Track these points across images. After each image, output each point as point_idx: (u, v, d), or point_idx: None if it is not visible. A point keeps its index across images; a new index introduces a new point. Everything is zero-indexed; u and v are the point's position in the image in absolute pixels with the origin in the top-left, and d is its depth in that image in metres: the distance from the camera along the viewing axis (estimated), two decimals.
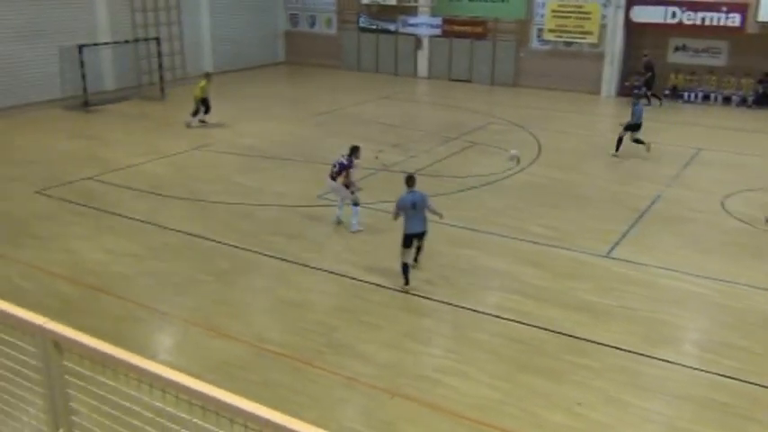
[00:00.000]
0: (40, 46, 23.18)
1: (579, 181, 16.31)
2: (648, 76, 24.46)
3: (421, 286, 10.66)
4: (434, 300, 10.32)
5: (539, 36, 27.38)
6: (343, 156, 13.03)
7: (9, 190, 14.98)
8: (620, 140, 18.09)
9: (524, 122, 21.49)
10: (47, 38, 23.28)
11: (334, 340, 9.17)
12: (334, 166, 12.93)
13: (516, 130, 20.72)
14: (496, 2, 27.88)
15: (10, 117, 21.50)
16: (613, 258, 11.90)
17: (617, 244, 12.49)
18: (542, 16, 27.00)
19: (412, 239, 10.56)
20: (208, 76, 20.94)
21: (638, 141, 18.00)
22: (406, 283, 10.58)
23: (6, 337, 3.49)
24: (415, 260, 11.06)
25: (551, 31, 26.80)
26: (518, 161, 16.66)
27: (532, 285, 10.84)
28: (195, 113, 20.48)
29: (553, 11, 26.56)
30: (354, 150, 12.97)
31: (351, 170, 12.87)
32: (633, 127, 17.99)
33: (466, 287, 10.79)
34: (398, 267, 10.63)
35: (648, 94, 24.31)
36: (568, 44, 26.81)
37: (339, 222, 13.33)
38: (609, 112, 24.89)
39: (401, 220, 10.60)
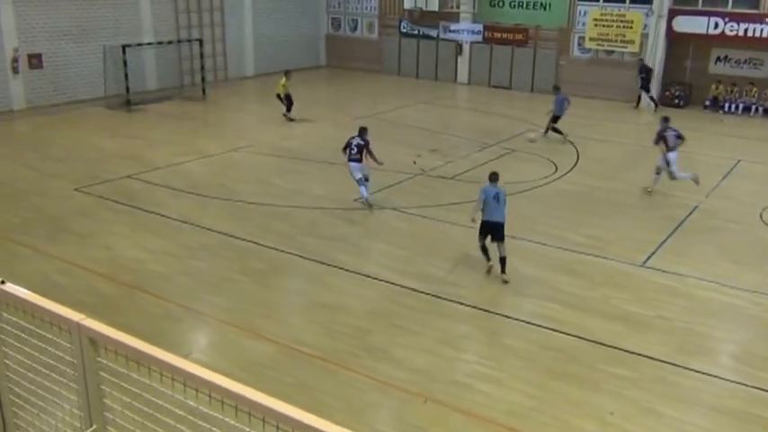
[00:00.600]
0: (86, 45, 23.63)
1: (617, 189, 16.04)
2: (643, 79, 25.00)
3: (456, 292, 10.57)
4: (469, 305, 10.21)
5: (580, 44, 27.04)
6: (353, 138, 14.04)
7: (49, 186, 15.24)
8: (547, 129, 20.12)
9: (563, 130, 21.21)
10: (92, 37, 23.73)
11: (367, 344, 9.12)
12: (353, 148, 13.90)
13: (555, 138, 20.47)
14: (538, 9, 27.63)
15: (53, 114, 21.94)
16: (650, 268, 11.67)
17: (654, 253, 12.25)
18: (584, 24, 26.66)
19: (487, 229, 11.09)
20: (287, 73, 21.58)
21: (555, 131, 19.86)
22: (489, 259, 11.25)
23: (43, 333, 3.50)
24: (503, 271, 11.05)
25: (592, 39, 26.45)
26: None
27: (568, 293, 10.67)
28: (289, 109, 21.47)
29: (595, 19, 26.22)
30: (365, 130, 14.15)
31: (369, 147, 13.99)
32: (555, 118, 19.95)
33: (501, 293, 10.68)
34: (434, 272, 10.53)
35: (646, 95, 25.12)
36: (609, 53, 26.43)
37: (371, 206, 14.07)
38: (649, 121, 24.45)
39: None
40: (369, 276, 11.10)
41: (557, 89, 20.88)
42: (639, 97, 25.36)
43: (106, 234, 12.64)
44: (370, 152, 13.88)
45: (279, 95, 21.42)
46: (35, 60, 22.39)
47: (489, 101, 26.26)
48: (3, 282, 3.55)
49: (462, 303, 10.27)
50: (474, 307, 10.18)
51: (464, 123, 23.80)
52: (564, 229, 13.35)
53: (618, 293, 10.73)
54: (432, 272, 11.30)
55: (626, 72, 26.06)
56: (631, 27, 25.58)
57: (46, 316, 3.37)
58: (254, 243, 12.32)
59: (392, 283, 10.85)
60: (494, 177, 11.41)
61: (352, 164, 13.85)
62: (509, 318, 9.92)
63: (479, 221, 11.18)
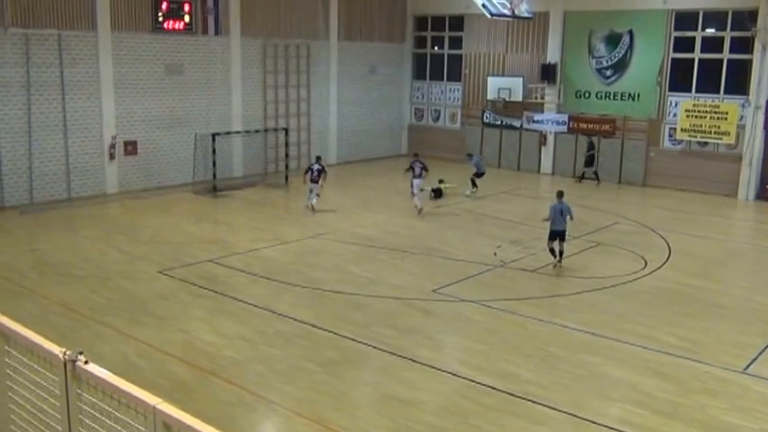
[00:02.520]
0: (178, 133, 25.11)
1: (713, 288, 15.44)
2: (589, 155, 27.90)
3: (536, 391, 10.29)
4: (549, 407, 9.88)
5: (671, 135, 26.78)
6: (313, 164, 21.58)
7: (135, 269, 15.92)
8: (474, 184, 24.46)
9: (653, 224, 20.79)
10: (185, 126, 25.21)
11: None
12: (313, 172, 21.17)
13: (644, 232, 20.07)
14: (626, 100, 27.65)
15: (144, 198, 23.15)
16: (751, 375, 11.04)
17: (755, 360, 11.60)
18: (675, 115, 26.46)
19: (554, 236, 15.98)
20: (442, 182, 24.41)
21: (473, 183, 24.34)
22: (554, 257, 16.10)
23: (119, 415, 3.65)
24: (559, 262, 16.10)
25: (684, 130, 26.13)
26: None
27: (659, 399, 10.20)
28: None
29: (687, 110, 25.97)
30: (320, 158, 22.02)
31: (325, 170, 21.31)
32: (480, 174, 24.53)
33: (585, 395, 10.30)
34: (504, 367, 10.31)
35: (588, 171, 28.00)
36: (703, 144, 26.02)
37: (314, 210, 20.87)
38: (746, 217, 23.70)
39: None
40: (444, 371, 10.96)
41: (470, 155, 25.70)
42: (584, 173, 28.15)
43: (185, 317, 13.04)
44: (325, 174, 21.29)
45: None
46: (130, 147, 23.88)
47: (574, 192, 25.93)
48: (86, 362, 3.76)
49: (543, 404, 9.95)
50: (555, 409, 9.84)
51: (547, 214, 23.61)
52: (654, 328, 12.88)
53: (714, 401, 10.17)
54: (511, 369, 11.07)
55: (721, 164, 25.56)
56: (726, 118, 25.18)
57: (123, 398, 3.53)
58: (329, 332, 12.42)
59: (468, 380, 10.67)
60: (560, 195, 16.41)
61: (312, 184, 21.05)
62: (593, 423, 9.52)
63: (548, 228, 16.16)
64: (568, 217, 16.08)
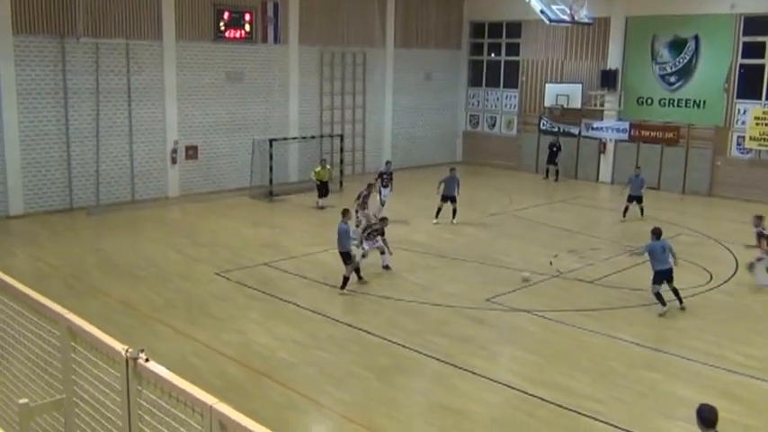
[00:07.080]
0: (237, 138, 25.71)
1: None
2: (553, 153, 29.47)
3: (593, 406, 10.13)
4: (608, 423, 9.71)
5: (739, 144, 26.03)
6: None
7: (193, 270, 16.33)
8: (438, 210, 21.21)
9: (720, 236, 20.20)
10: (244, 131, 25.80)
11: None
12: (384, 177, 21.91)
13: (710, 244, 19.55)
14: (691, 107, 27.01)
15: (204, 202, 23.71)
16: None
17: None
18: (744, 123, 25.71)
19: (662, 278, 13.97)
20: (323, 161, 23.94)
21: (439, 211, 21.10)
22: (663, 304, 13.84)
23: (177, 412, 3.77)
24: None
25: (754, 139, 25.35)
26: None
27: (727, 421, 9.76)
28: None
29: (756, 117, 25.20)
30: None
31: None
32: (447, 198, 21.13)
33: (646, 413, 10.08)
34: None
35: (552, 168, 29.58)
36: None
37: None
38: None
39: None
40: (496, 381, 10.89)
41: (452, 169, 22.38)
42: (548, 170, 29.61)
43: (241, 319, 13.31)
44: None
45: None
46: (192, 152, 24.61)
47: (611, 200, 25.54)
48: (147, 360, 3.90)
49: (600, 420, 9.79)
50: (614, 426, 9.65)
51: (606, 224, 23.24)
52: (720, 345, 12.48)
53: None
54: (565, 382, 10.93)
55: None
56: None
57: (182, 396, 3.64)
58: (381, 338, 12.49)
59: (521, 391, 10.58)
60: (657, 233, 14.14)
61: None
62: None
63: None
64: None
